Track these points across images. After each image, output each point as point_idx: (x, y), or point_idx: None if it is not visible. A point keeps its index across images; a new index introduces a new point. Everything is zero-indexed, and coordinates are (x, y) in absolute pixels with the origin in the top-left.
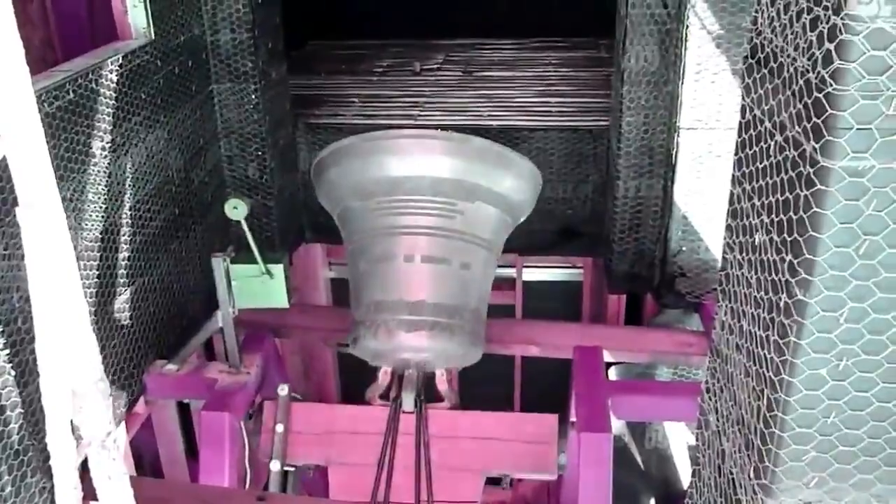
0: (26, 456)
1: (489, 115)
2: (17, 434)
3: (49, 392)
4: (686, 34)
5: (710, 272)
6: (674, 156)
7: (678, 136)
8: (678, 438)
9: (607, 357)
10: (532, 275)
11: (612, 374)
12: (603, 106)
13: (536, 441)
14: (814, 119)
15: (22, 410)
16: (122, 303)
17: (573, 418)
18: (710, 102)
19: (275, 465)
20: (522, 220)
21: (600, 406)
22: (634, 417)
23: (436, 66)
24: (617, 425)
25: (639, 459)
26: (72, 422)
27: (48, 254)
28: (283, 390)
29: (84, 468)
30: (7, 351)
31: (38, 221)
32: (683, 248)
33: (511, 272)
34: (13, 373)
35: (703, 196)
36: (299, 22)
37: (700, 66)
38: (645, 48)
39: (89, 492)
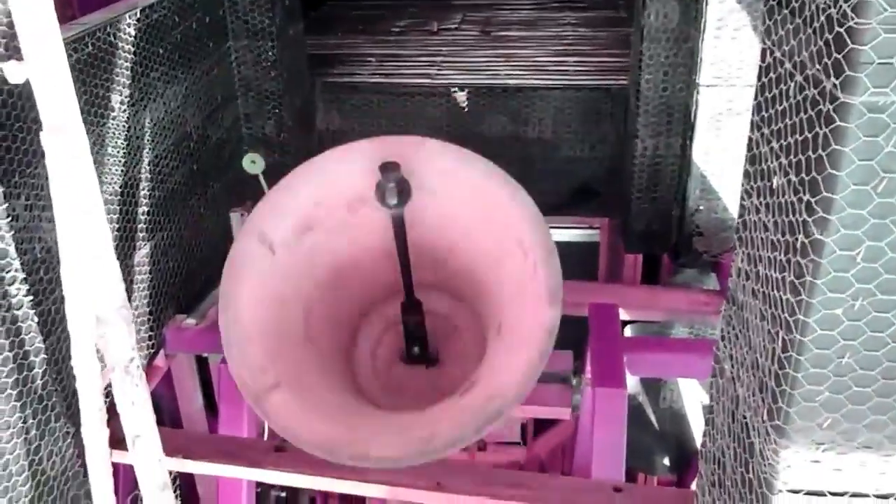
0: (50, 401)
1: (506, 75)
2: (41, 380)
3: (74, 316)
4: None
5: (728, 231)
6: (693, 113)
7: (698, 93)
8: (693, 398)
9: (623, 316)
10: None
11: (628, 333)
12: (621, 65)
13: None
14: (834, 55)
15: (45, 356)
16: (141, 257)
17: (588, 375)
18: (730, 59)
19: None
20: None
21: (615, 362)
22: (650, 374)
23: (453, 25)
24: (631, 384)
25: (653, 418)
26: (97, 348)
27: (72, 179)
28: None
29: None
30: (30, 298)
31: (63, 146)
32: (701, 207)
33: None
34: (36, 319)
35: (722, 154)
36: None
37: (721, 22)
38: (665, 4)
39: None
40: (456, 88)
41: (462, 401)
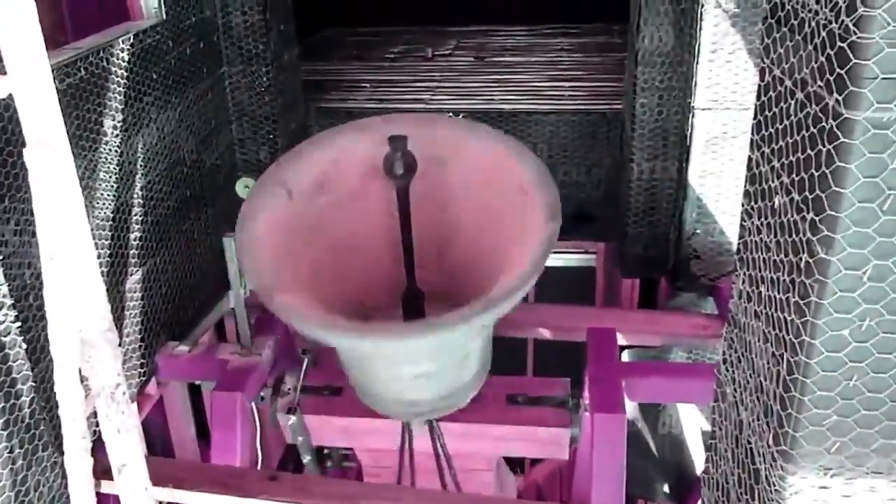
0: (38, 430)
1: (501, 99)
2: (29, 408)
3: (58, 339)
4: (701, 13)
5: (725, 255)
6: (688, 137)
7: (693, 116)
8: (692, 424)
9: (621, 340)
10: None
11: (626, 358)
12: (616, 90)
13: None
14: (837, 70)
15: (34, 384)
16: (133, 283)
17: (586, 400)
18: (725, 82)
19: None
20: None
21: (614, 387)
22: (649, 399)
23: (448, 51)
24: (630, 410)
25: (652, 445)
26: (81, 373)
27: (56, 197)
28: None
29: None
30: (18, 325)
31: (46, 163)
32: (698, 231)
33: None
34: (24, 346)
35: (718, 178)
36: (311, 9)
37: (715, 46)
38: (659, 28)
39: (101, 472)
40: (451, 114)
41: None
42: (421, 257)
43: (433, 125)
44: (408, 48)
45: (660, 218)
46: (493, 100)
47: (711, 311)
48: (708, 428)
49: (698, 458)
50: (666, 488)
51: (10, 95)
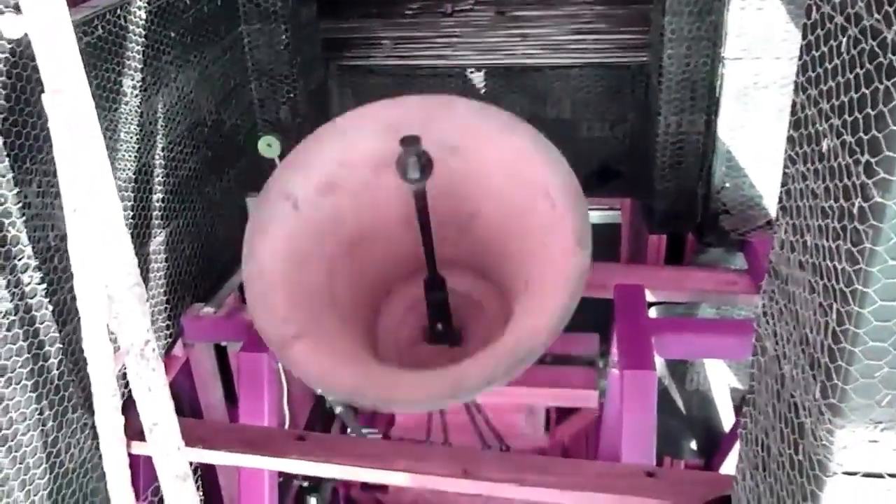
0: (67, 392)
1: (523, 54)
2: (57, 370)
3: (84, 294)
4: None
5: (756, 209)
6: (718, 88)
7: (722, 67)
8: (720, 380)
9: (649, 297)
10: None
11: (653, 314)
12: (641, 42)
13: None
14: None
15: (61, 346)
16: (157, 245)
17: (614, 357)
18: (756, 31)
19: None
20: None
21: (644, 344)
22: (679, 356)
23: (468, 6)
24: (658, 367)
25: (680, 402)
26: (109, 330)
27: (77, 146)
28: None
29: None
30: (44, 287)
31: (67, 108)
32: (727, 185)
33: None
34: (51, 308)
35: (748, 130)
36: None
37: None
38: None
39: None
40: (472, 69)
41: (491, 348)
42: (440, 237)
43: (445, 108)
44: (427, 3)
45: (688, 172)
46: (514, 54)
47: (741, 267)
48: (736, 384)
49: (726, 414)
50: (694, 445)
51: (29, 45)
